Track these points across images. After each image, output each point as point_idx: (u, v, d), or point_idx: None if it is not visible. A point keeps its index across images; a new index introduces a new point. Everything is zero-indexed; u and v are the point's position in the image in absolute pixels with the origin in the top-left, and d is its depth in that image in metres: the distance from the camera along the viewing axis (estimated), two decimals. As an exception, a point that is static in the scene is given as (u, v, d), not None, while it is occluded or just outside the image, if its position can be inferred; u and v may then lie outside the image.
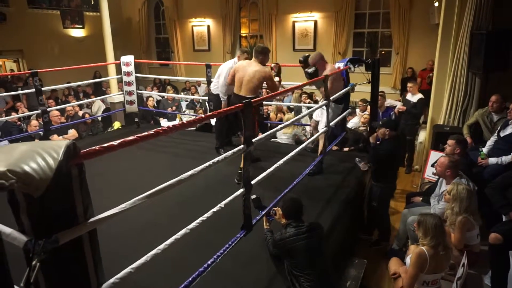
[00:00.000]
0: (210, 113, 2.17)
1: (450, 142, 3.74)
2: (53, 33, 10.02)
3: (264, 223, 2.72)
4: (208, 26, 10.90)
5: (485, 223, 3.12)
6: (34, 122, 5.62)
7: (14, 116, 6.33)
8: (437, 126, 5.35)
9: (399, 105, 6.31)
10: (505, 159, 3.75)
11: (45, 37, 9.76)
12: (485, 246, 2.96)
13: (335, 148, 4.85)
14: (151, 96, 7.52)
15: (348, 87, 4.25)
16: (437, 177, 4.48)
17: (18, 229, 1.21)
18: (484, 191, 3.08)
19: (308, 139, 5.72)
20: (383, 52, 9.06)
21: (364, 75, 4.69)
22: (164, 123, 7.32)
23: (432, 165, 4.89)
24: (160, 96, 8.55)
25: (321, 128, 3.97)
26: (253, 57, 3.76)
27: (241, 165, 3.76)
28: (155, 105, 7.86)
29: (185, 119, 7.10)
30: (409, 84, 6.05)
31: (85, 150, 1.26)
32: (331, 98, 3.66)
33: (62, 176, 1.10)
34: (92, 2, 6.02)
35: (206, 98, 5.86)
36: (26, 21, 9.30)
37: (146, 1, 11.53)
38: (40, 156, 1.06)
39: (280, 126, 2.71)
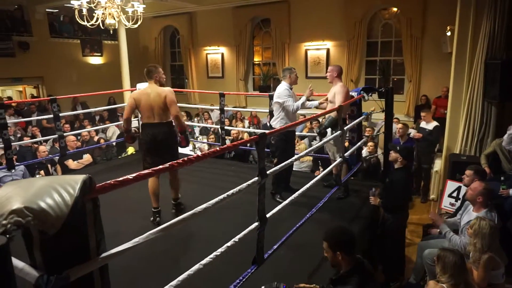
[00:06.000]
0: (225, 145, 2.16)
1: (468, 172, 3.65)
2: (72, 60, 10.40)
3: None
4: (222, 54, 11.15)
5: (510, 260, 2.97)
6: (41, 148, 5.60)
7: (28, 140, 6.11)
8: (453, 155, 5.24)
9: (413, 132, 6.24)
10: (526, 190, 3.64)
11: (65, 65, 10.12)
12: (510, 285, 2.81)
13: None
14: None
15: (362, 117, 4.24)
16: (455, 208, 4.36)
17: (30, 263, 1.19)
18: (507, 225, 2.95)
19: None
20: (395, 79, 9.07)
21: (377, 103, 4.68)
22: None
23: (449, 195, 4.77)
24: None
25: (334, 157, 3.92)
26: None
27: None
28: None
29: (198, 145, 7.13)
30: (422, 113, 6.00)
31: (101, 185, 1.26)
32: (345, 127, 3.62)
33: (77, 213, 1.09)
34: (111, 31, 6.29)
35: (218, 126, 5.87)
36: (47, 49, 9.71)
37: (162, 30, 11.92)
38: (57, 192, 1.06)
39: (295, 157, 2.69)
